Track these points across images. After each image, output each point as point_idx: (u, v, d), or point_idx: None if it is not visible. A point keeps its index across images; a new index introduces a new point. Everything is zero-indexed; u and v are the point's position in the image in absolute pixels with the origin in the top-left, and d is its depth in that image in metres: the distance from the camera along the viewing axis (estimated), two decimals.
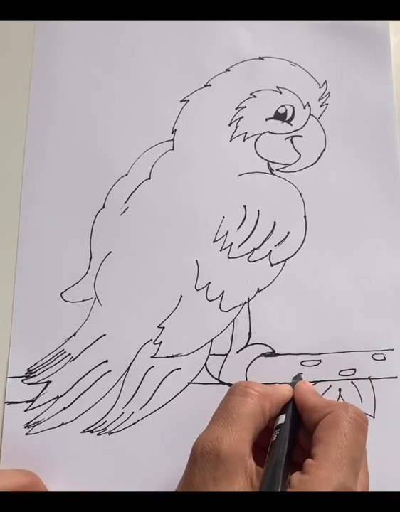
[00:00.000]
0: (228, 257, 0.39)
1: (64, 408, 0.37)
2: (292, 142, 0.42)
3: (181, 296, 0.39)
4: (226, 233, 0.40)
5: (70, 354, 0.38)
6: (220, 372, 0.38)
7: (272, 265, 0.40)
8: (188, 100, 0.42)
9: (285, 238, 0.40)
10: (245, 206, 0.40)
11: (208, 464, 0.27)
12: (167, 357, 0.38)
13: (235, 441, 0.28)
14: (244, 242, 0.40)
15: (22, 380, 0.37)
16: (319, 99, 0.42)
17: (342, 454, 0.28)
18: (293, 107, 0.42)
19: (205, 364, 0.38)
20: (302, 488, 0.26)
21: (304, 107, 0.42)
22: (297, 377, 0.36)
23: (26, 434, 0.37)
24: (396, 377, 0.38)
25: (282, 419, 0.31)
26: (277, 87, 0.42)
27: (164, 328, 0.38)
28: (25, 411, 0.37)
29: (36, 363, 0.38)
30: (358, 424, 0.29)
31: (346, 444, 0.28)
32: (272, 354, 0.38)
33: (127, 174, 0.41)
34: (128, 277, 0.39)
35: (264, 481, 0.27)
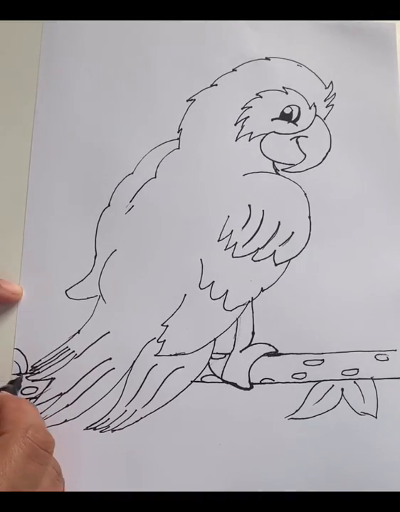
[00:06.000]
0: (233, 256, 0.40)
1: (67, 405, 0.37)
2: (297, 142, 0.42)
3: (185, 295, 0.39)
4: (231, 232, 0.40)
5: (74, 351, 0.38)
6: (223, 371, 0.38)
7: (276, 265, 0.40)
8: (194, 100, 0.42)
9: (289, 238, 0.40)
10: (250, 206, 0.40)
11: None
12: (171, 355, 0.38)
13: None
14: (248, 241, 0.40)
15: (26, 377, 0.38)
16: (325, 100, 0.42)
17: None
18: (299, 108, 0.42)
19: (208, 363, 0.38)
20: None
21: (310, 108, 0.42)
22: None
23: None
24: (398, 378, 0.38)
25: None
26: (283, 88, 0.42)
27: (167, 326, 0.38)
28: None
29: (40, 360, 0.38)
30: (33, 452, 0.26)
31: (7, 472, 0.25)
32: (276, 353, 0.38)
33: (132, 173, 0.41)
34: (132, 275, 0.39)
35: None
